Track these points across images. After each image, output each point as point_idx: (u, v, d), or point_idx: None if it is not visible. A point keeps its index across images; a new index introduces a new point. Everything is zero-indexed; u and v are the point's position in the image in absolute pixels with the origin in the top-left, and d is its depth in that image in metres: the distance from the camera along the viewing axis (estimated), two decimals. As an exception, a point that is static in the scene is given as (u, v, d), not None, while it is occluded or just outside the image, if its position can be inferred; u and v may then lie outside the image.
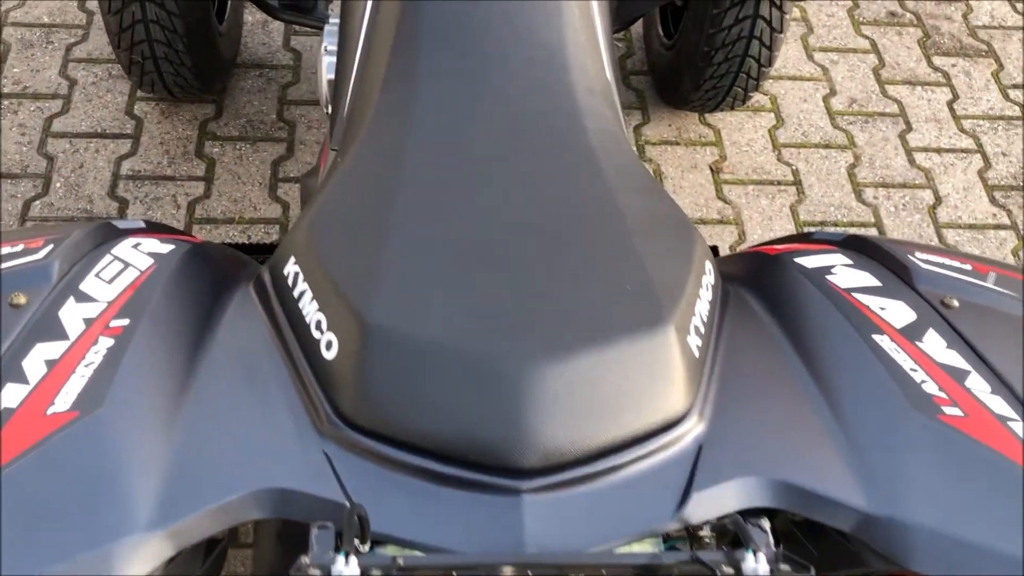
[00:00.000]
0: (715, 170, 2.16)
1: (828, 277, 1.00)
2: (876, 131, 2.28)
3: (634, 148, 1.11)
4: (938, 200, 2.16)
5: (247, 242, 1.85)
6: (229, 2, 2.07)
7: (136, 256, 0.93)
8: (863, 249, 1.05)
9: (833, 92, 2.34)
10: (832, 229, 2.07)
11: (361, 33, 1.22)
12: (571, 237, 0.91)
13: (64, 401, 0.76)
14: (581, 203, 0.95)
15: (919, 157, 2.24)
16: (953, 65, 2.44)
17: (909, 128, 2.29)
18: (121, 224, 1.01)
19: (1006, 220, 2.14)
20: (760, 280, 1.05)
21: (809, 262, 1.03)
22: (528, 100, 1.05)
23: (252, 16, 2.32)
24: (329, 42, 1.45)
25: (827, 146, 2.24)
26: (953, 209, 2.16)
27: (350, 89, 1.21)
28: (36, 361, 0.79)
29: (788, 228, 2.07)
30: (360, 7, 1.24)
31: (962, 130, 2.31)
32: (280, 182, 2.03)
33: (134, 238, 0.97)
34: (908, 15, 2.54)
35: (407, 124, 1.01)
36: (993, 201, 2.18)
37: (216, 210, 1.97)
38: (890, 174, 2.20)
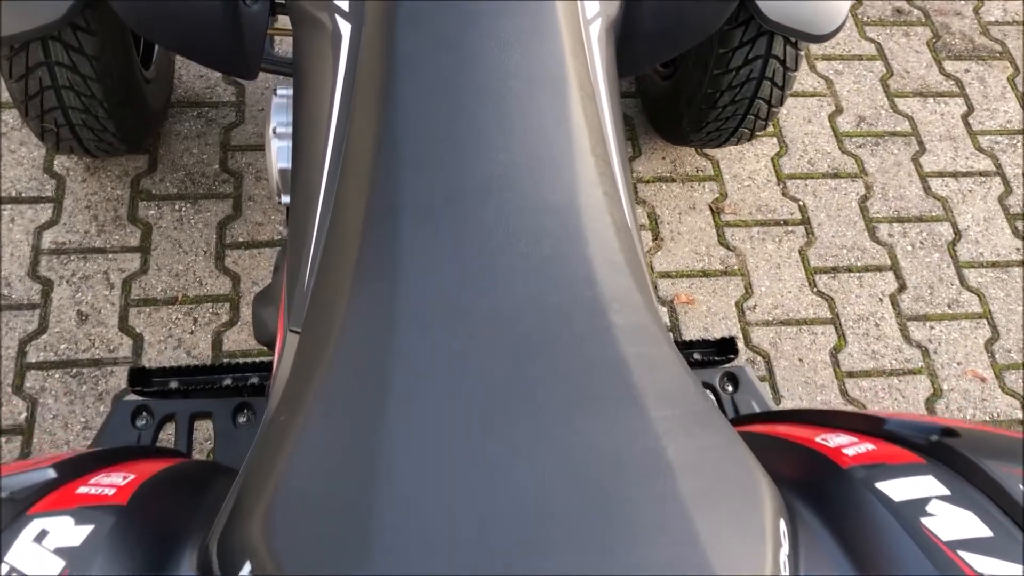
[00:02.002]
0: (716, 211, 1.95)
1: (925, 522, 0.81)
2: (887, 154, 2.07)
3: (673, 343, 0.90)
4: (957, 235, 1.98)
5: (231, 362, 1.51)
6: (157, 39, 1.79)
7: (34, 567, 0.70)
8: (953, 463, 0.86)
9: (839, 110, 2.13)
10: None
11: (325, 160, 0.98)
12: (610, 505, 0.70)
13: None
14: (618, 452, 0.74)
15: (935, 184, 2.04)
16: (966, 71, 2.23)
17: (923, 149, 2.09)
18: (17, 486, 0.78)
19: (1030, 255, 1.97)
20: (831, 505, 0.85)
21: (895, 490, 0.84)
22: (541, 295, 0.83)
23: (186, 39, 2.03)
24: (278, 122, 1.21)
25: (836, 175, 2.03)
26: (974, 244, 1.97)
27: (312, 244, 0.98)
28: None
29: (798, 277, 1.88)
30: (323, 110, 1.00)
31: (979, 149, 2.11)
32: (227, 248, 1.78)
33: (37, 520, 0.75)
34: (915, 12, 2.32)
35: (388, 344, 0.79)
36: (1016, 232, 2.00)
37: (156, 288, 1.72)
38: (904, 206, 2.00)
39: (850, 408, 1.74)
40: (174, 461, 0.94)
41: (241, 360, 1.63)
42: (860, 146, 2.08)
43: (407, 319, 0.79)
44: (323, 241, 0.95)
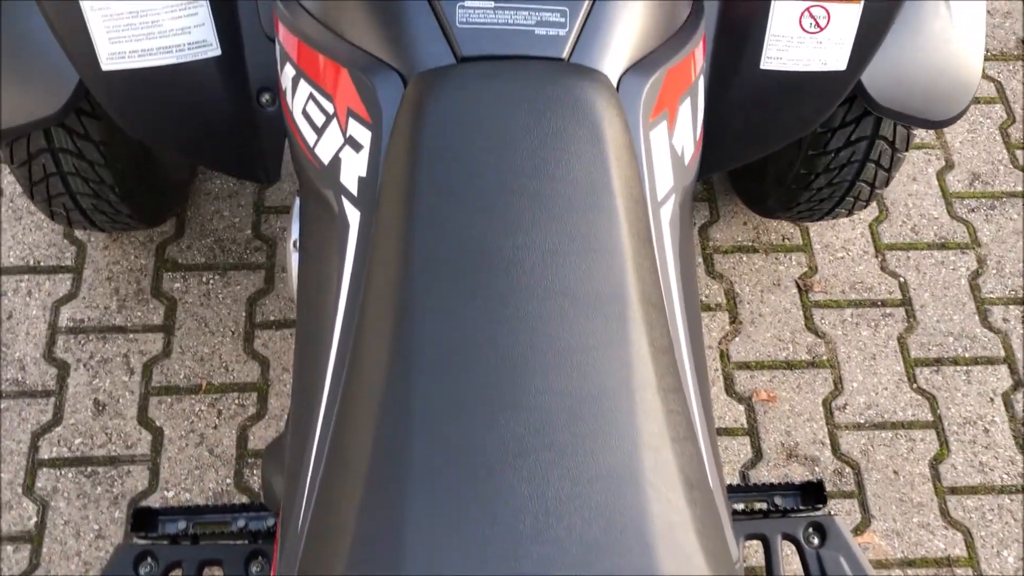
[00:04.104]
0: (803, 288, 1.72)
1: None
2: (1005, 220, 1.81)
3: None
4: (1085, 320, 1.72)
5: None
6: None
7: None
8: None
9: (950, 165, 1.86)
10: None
11: (329, 360, 0.80)
12: None
13: None
14: None
15: (1060, 256, 1.78)
16: (1101, 117, 1.94)
17: (1047, 214, 1.82)
18: None
19: None
20: None
21: None
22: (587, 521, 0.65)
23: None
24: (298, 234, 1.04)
25: (943, 246, 1.78)
26: (1104, 333, 1.71)
27: (317, 433, 0.81)
28: None
29: (896, 370, 1.65)
30: (327, 304, 0.82)
31: (1113, 213, 1.83)
32: (257, 328, 1.63)
33: None
34: (1042, 44, 2.02)
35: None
36: None
37: (178, 373, 1.58)
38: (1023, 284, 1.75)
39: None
40: None
41: (255, 501, 1.49)
42: (973, 210, 1.82)
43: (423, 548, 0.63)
44: (321, 472, 0.78)
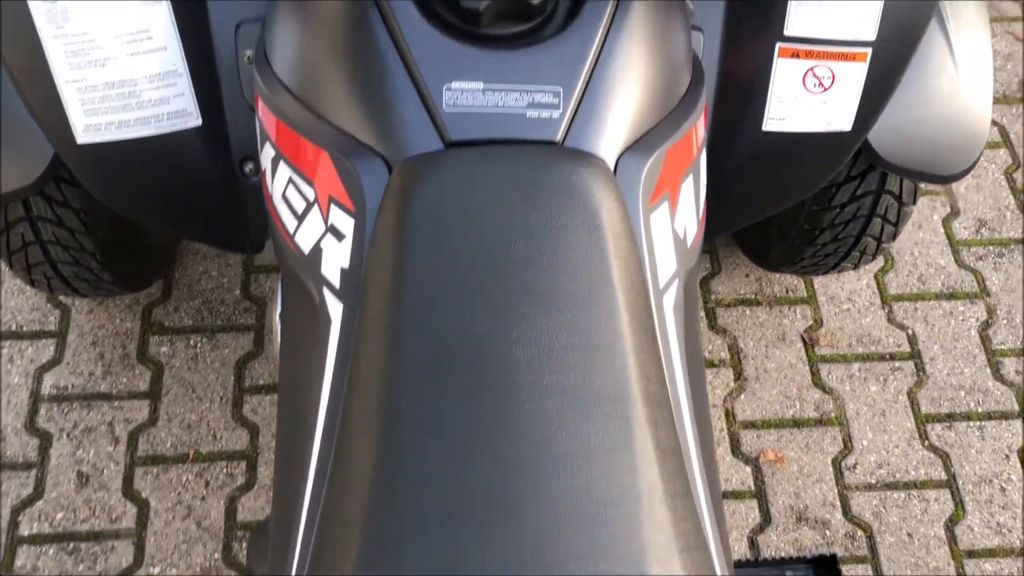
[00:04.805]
0: (809, 342, 1.67)
1: None
2: (1013, 268, 1.77)
3: None
4: (1100, 371, 1.67)
5: None
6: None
7: None
8: None
9: (955, 212, 1.82)
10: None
11: (311, 463, 0.75)
12: None
13: None
14: None
15: (1071, 305, 1.73)
16: (1107, 160, 1.90)
17: (1056, 261, 1.78)
18: None
19: None
20: None
21: None
22: None
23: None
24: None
25: (951, 296, 1.73)
26: (1120, 384, 1.66)
27: (298, 546, 0.75)
28: None
29: (907, 426, 1.60)
30: (309, 404, 0.77)
31: (1125, 259, 1.79)
32: (246, 393, 1.57)
33: None
34: (1045, 86, 1.99)
35: None
36: None
37: (165, 442, 1.52)
38: (1035, 334, 1.70)
39: (970, 598, 1.46)
40: None
41: None
42: (980, 258, 1.78)
43: None
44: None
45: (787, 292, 1.72)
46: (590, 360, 0.65)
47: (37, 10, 0.96)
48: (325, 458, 0.69)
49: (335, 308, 0.71)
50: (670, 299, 0.74)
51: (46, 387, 1.56)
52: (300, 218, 0.76)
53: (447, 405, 0.64)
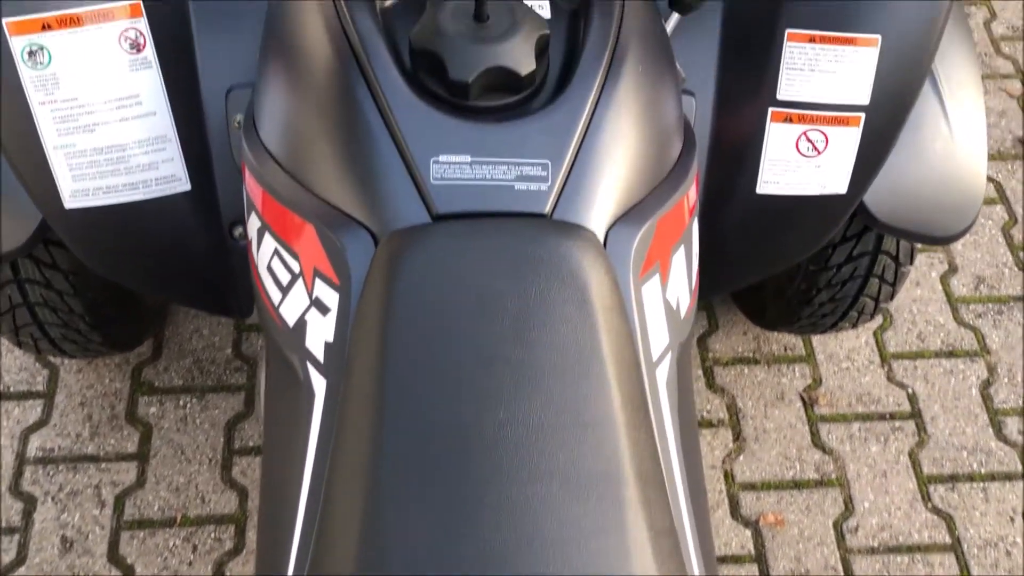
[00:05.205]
0: (808, 402, 1.65)
1: None
2: (1013, 325, 1.75)
3: None
4: (1103, 431, 1.64)
5: None
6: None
7: None
8: None
9: (953, 268, 1.81)
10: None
11: (293, 540, 0.73)
12: None
13: None
14: None
15: (1073, 363, 1.72)
16: (1105, 216, 1.90)
17: (1057, 318, 1.76)
18: None
19: None
20: None
21: None
22: None
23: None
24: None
25: (951, 354, 1.71)
26: (1124, 444, 1.64)
27: None
28: None
29: (909, 488, 1.57)
30: (292, 481, 0.74)
31: (1126, 316, 1.77)
32: (235, 455, 1.55)
33: None
34: (1040, 142, 1.99)
35: None
36: None
37: (152, 505, 1.49)
38: (1037, 392, 1.68)
39: (978, 667, 1.42)
40: None
41: None
42: (979, 315, 1.76)
43: None
44: None
45: (785, 350, 1.71)
46: (580, 439, 0.63)
47: (27, 76, 0.96)
48: (307, 541, 0.67)
49: (319, 383, 0.69)
50: (663, 373, 0.72)
51: (32, 449, 1.53)
52: (285, 290, 0.75)
53: (432, 489, 0.62)
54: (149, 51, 0.98)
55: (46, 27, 0.94)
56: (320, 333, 0.70)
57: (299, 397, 0.71)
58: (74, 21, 0.94)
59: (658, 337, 0.73)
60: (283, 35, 0.85)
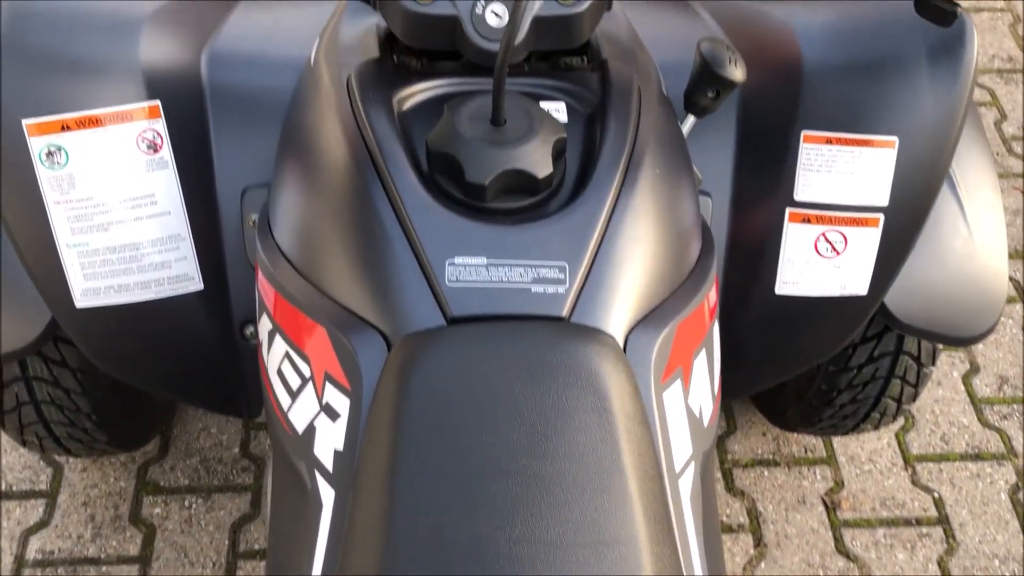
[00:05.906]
0: (831, 506, 1.60)
1: None
2: (1040, 427, 1.71)
3: None
4: None
5: None
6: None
7: None
8: None
9: (975, 368, 1.78)
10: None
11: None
12: None
13: None
14: None
15: (1103, 467, 1.66)
16: None
17: (1083, 420, 1.72)
18: None
19: None
20: None
21: None
22: None
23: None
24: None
25: (977, 457, 1.67)
26: None
27: None
28: None
29: (939, 598, 1.50)
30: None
31: None
32: (240, 558, 1.50)
33: None
34: (1057, 240, 1.98)
35: None
36: None
37: (152, 612, 1.44)
38: (1068, 497, 1.62)
39: None
40: None
41: None
42: (1004, 416, 1.72)
43: None
44: None
45: (806, 452, 1.66)
46: (601, 558, 0.60)
47: (44, 176, 0.96)
48: None
49: (327, 493, 0.66)
50: (686, 484, 0.69)
51: (31, 551, 1.49)
52: (294, 395, 0.73)
53: None
54: (166, 151, 0.98)
55: (65, 128, 0.94)
56: (329, 440, 0.68)
57: (306, 507, 0.68)
58: (93, 122, 0.95)
59: (681, 447, 0.70)
60: (300, 136, 0.85)
